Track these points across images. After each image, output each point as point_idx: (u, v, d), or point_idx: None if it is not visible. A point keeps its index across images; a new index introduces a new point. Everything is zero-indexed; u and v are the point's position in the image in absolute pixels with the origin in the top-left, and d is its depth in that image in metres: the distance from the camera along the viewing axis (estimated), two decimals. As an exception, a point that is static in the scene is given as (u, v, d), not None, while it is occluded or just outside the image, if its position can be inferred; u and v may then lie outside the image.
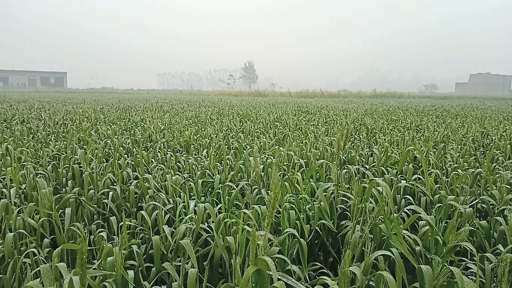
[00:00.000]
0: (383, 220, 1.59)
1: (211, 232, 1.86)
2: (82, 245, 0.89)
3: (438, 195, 2.18)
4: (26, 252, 1.54)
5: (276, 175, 1.47)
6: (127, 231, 1.95)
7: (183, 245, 1.42)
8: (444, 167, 3.06)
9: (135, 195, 2.48)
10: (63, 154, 3.30)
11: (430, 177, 2.53)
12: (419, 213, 1.54)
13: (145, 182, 2.49)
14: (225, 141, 4.18)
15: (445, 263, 1.30)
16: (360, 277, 1.14)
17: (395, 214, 1.56)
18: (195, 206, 2.11)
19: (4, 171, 2.82)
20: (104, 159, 3.41)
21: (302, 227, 1.84)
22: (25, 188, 2.50)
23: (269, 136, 5.02)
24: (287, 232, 1.59)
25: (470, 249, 1.67)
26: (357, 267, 1.15)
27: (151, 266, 1.76)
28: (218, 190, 2.41)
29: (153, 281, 1.58)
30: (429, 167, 2.90)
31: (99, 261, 1.43)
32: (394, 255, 1.38)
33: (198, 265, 1.78)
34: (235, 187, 2.31)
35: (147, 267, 1.81)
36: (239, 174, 2.95)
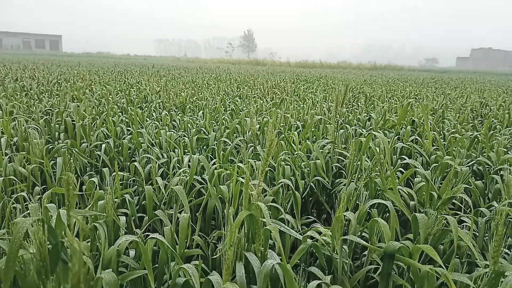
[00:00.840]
0: (378, 175, 1.57)
1: (205, 183, 1.85)
2: (70, 180, 0.86)
3: (435, 156, 2.16)
4: (16, 196, 1.52)
5: (272, 128, 1.43)
6: (120, 182, 1.93)
7: (175, 191, 1.40)
8: (441, 132, 3.04)
9: (129, 150, 2.45)
10: (56, 109, 3.23)
11: (427, 140, 2.50)
12: (416, 167, 1.52)
13: (139, 137, 2.46)
14: (221, 103, 4.11)
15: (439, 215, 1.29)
16: (354, 223, 1.12)
17: (391, 168, 1.54)
18: (189, 160, 2.08)
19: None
20: (97, 117, 3.36)
21: (297, 182, 1.82)
22: (16, 141, 2.46)
23: (266, 100, 4.95)
24: (282, 182, 1.57)
25: (466, 200, 1.66)
26: (351, 213, 1.13)
27: (144, 216, 1.75)
28: (213, 146, 2.38)
29: (144, 228, 1.57)
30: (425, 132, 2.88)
31: (90, 206, 1.41)
32: (388, 206, 1.36)
33: (191, 216, 1.77)
34: (230, 143, 2.28)
35: (140, 217, 1.80)
36: (235, 134, 2.91)
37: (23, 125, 2.55)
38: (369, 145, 1.71)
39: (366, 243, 1.05)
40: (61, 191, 1.48)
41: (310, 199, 2.08)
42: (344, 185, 1.88)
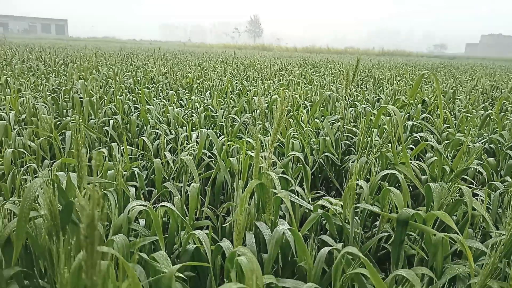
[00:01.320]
0: (389, 149, 1.55)
1: (213, 158, 1.84)
2: (80, 141, 0.84)
3: (446, 133, 2.13)
4: (26, 167, 1.52)
5: (282, 102, 1.41)
6: (128, 157, 1.93)
7: (185, 161, 1.39)
8: (452, 113, 2.99)
9: (136, 128, 2.44)
10: (63, 87, 3.23)
11: (438, 119, 2.47)
12: (428, 141, 1.49)
13: (147, 113, 2.44)
14: (229, 84, 4.08)
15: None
16: (367, 191, 1.10)
17: (403, 141, 1.51)
18: (197, 136, 2.07)
19: (3, 99, 2.77)
20: (104, 95, 3.35)
21: (306, 157, 1.81)
22: (24, 117, 2.46)
23: (273, 82, 4.91)
24: (291, 154, 1.56)
25: (478, 176, 1.63)
26: (363, 181, 1.12)
27: (152, 189, 1.75)
28: (221, 123, 2.36)
29: (153, 200, 1.57)
30: (436, 110, 2.83)
31: (100, 175, 1.40)
32: (400, 179, 1.34)
33: (200, 190, 1.77)
34: (239, 119, 2.26)
35: (149, 191, 1.80)
36: (243, 113, 2.89)
37: (31, 102, 2.54)
38: (380, 118, 1.68)
39: (379, 211, 1.03)
40: (71, 161, 1.47)
41: (319, 175, 2.06)
42: (354, 161, 1.86)
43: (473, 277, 0.84)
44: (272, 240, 0.98)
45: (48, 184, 0.79)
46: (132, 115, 2.45)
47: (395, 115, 1.35)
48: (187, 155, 1.83)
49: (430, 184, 1.13)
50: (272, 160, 1.40)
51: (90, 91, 3.19)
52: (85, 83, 3.04)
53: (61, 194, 0.85)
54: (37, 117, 2.30)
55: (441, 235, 0.93)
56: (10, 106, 2.57)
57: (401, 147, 1.79)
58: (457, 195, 1.20)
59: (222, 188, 1.78)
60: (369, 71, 7.86)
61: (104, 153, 1.59)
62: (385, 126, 2.20)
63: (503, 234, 0.94)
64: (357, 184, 1.08)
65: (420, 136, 2.05)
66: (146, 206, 1.21)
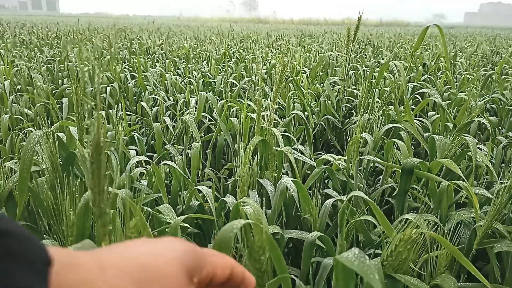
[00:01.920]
0: (392, 107, 1.53)
1: (213, 121, 1.82)
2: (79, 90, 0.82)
3: (448, 93, 2.11)
4: (24, 132, 1.50)
5: (281, 62, 1.37)
6: (127, 123, 1.90)
7: (185, 121, 1.37)
8: (453, 75, 2.96)
9: (134, 97, 2.41)
10: (58, 58, 3.16)
11: (439, 81, 2.44)
12: (432, 97, 1.47)
13: (144, 81, 2.41)
14: (226, 53, 4.01)
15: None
16: (371, 143, 1.09)
17: (406, 97, 1.49)
18: (196, 102, 2.05)
19: (-3, 70, 2.71)
20: (99, 66, 3.28)
21: (307, 119, 1.79)
22: (20, 88, 2.42)
23: (271, 51, 4.83)
24: (293, 114, 1.54)
25: (480, 134, 1.62)
26: (367, 134, 1.10)
27: (153, 154, 1.74)
28: (220, 88, 2.33)
29: (154, 162, 1.56)
30: (437, 73, 2.80)
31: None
32: (403, 136, 1.33)
33: (201, 152, 1.76)
34: (238, 84, 2.23)
35: (149, 156, 1.79)
36: (241, 81, 2.85)
37: (25, 72, 2.49)
38: (383, 75, 1.65)
39: (383, 161, 1.03)
40: (70, 124, 1.45)
41: (320, 139, 2.05)
42: (355, 123, 1.84)
43: (478, 221, 0.84)
44: (276, 192, 0.98)
45: (49, 136, 0.77)
46: (128, 83, 2.41)
47: (398, 70, 1.32)
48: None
49: (433, 136, 1.12)
50: (274, 121, 1.38)
51: (85, 61, 3.13)
52: (80, 50, 2.98)
53: (61, 146, 0.84)
54: (32, 86, 2.26)
55: (446, 183, 0.92)
56: (4, 77, 2.52)
57: (402, 107, 1.78)
58: (460, 149, 1.19)
59: (223, 153, 1.77)
60: (368, 40, 7.74)
61: (102, 115, 1.56)
62: (386, 88, 2.18)
63: (507, 183, 0.94)
64: (360, 137, 1.07)
65: (422, 96, 2.03)
66: (148, 160, 1.20)
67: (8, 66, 2.64)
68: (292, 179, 0.97)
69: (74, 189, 0.60)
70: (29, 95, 1.88)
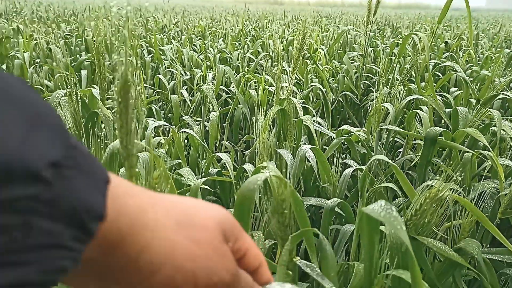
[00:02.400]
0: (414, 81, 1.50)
1: (231, 94, 1.81)
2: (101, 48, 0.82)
3: (470, 71, 2.06)
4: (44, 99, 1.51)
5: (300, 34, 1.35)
6: (146, 95, 1.91)
7: (204, 90, 1.36)
8: (475, 55, 2.88)
9: (151, 72, 2.41)
10: (75, 33, 3.18)
11: (461, 58, 2.37)
12: (455, 71, 1.43)
13: (162, 55, 2.40)
14: (242, 30, 3.97)
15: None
16: (392, 113, 1.08)
17: (429, 70, 1.46)
18: (213, 77, 2.04)
19: (17, 44, 2.74)
20: (116, 42, 3.29)
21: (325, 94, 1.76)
22: (39, 61, 2.44)
23: (287, 30, 4.77)
24: (311, 86, 1.52)
25: (503, 112, 1.58)
26: (389, 104, 1.08)
27: (171, 127, 1.75)
28: (237, 63, 2.31)
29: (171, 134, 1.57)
30: (459, 50, 2.73)
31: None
32: (424, 110, 1.31)
33: (219, 124, 1.76)
34: (255, 59, 2.21)
35: (168, 129, 1.80)
36: (257, 57, 2.82)
37: (44, 46, 2.51)
38: (405, 48, 1.62)
39: (405, 131, 1.01)
40: (89, 92, 1.47)
41: (337, 116, 2.03)
42: (374, 99, 1.81)
43: (502, 190, 0.82)
44: (296, 159, 0.97)
45: (72, 94, 0.78)
46: (145, 57, 2.41)
47: (420, 41, 1.29)
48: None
49: (457, 107, 1.10)
50: (293, 95, 1.37)
51: (102, 35, 3.14)
52: (97, 24, 2.99)
53: (83, 107, 0.84)
54: (51, 59, 2.28)
55: (470, 152, 0.91)
56: (23, 50, 2.55)
57: (424, 83, 1.74)
58: (483, 123, 1.16)
59: (240, 127, 1.76)
60: (386, 21, 7.56)
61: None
62: (406, 66, 2.13)
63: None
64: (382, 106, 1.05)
65: (443, 75, 1.98)
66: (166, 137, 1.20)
67: (27, 40, 2.66)
68: (312, 146, 0.96)
69: (99, 140, 0.61)
70: (49, 66, 1.90)
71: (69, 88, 0.81)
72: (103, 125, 0.95)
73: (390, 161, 0.72)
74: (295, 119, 1.21)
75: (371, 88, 2.08)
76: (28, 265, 0.16)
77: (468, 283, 0.78)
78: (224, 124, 1.72)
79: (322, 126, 1.38)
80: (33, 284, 0.17)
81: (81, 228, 0.19)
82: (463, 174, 0.88)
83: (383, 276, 0.54)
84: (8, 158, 0.16)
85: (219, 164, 1.25)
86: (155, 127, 1.65)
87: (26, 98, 0.18)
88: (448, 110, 1.52)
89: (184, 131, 1.16)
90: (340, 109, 2.02)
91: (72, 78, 1.75)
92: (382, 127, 1.03)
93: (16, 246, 0.16)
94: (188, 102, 1.81)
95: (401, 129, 1.01)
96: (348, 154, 1.34)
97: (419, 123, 1.29)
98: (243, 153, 1.58)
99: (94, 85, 1.30)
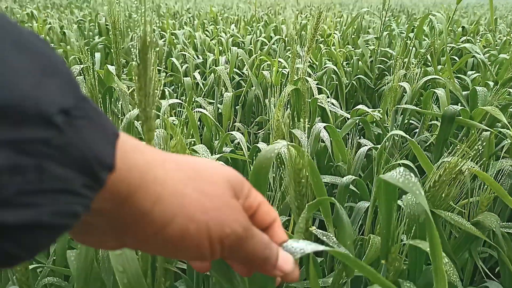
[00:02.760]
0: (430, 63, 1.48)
1: (244, 76, 1.81)
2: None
3: (488, 54, 2.01)
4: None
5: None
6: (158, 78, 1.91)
7: (217, 70, 1.36)
8: (493, 40, 2.81)
9: (163, 55, 2.41)
10: (89, 18, 3.19)
11: (479, 43, 2.32)
12: (474, 53, 1.40)
13: (174, 39, 2.40)
14: (255, 16, 3.94)
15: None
16: (409, 92, 1.06)
17: (447, 52, 1.43)
18: (226, 61, 2.03)
19: (31, 28, 2.76)
20: (129, 28, 3.29)
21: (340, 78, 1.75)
22: (53, 45, 2.46)
23: (300, 16, 4.71)
24: (326, 67, 1.51)
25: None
26: (405, 83, 1.07)
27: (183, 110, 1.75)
28: (249, 47, 2.30)
29: (184, 115, 1.57)
30: (476, 36, 2.67)
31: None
32: (441, 91, 1.29)
33: (232, 105, 1.76)
34: (268, 42, 2.20)
35: (180, 111, 1.81)
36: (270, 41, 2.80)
37: (58, 30, 2.53)
38: (422, 28, 1.59)
39: (422, 110, 1.00)
40: (104, 68, 1.48)
41: (351, 100, 2.01)
42: (389, 82, 1.79)
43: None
44: (310, 137, 0.97)
45: (89, 69, 0.78)
46: (158, 41, 2.41)
47: (440, 26, 1.26)
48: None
49: (475, 87, 1.08)
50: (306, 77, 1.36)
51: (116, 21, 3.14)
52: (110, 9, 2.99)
53: (100, 82, 0.85)
54: (65, 42, 2.30)
55: (489, 131, 0.89)
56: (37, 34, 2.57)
57: (440, 66, 1.71)
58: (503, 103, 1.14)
59: (252, 111, 1.76)
60: (401, 7, 7.42)
61: (133, 63, 1.57)
62: (422, 50, 2.10)
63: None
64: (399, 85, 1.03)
65: (459, 57, 1.94)
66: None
67: (41, 25, 2.68)
68: (326, 124, 0.96)
69: (116, 110, 0.61)
70: (63, 48, 1.91)
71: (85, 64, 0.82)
72: (118, 103, 0.96)
73: (407, 136, 0.72)
74: (309, 100, 1.21)
75: (386, 73, 2.05)
76: (41, 207, 0.17)
77: (483, 261, 0.77)
78: (236, 107, 1.72)
79: (336, 105, 1.37)
80: (45, 226, 0.18)
81: (92, 176, 0.19)
82: (481, 150, 0.87)
83: (400, 246, 0.53)
84: (21, 100, 0.17)
85: (232, 144, 1.25)
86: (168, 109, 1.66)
87: (39, 48, 0.19)
88: (465, 92, 1.49)
89: (197, 111, 1.16)
90: (353, 94, 2.00)
91: (86, 59, 1.76)
92: (398, 106, 1.02)
93: (30, 188, 0.17)
94: (201, 85, 1.81)
95: (418, 108, 1.00)
96: (362, 136, 1.33)
97: (435, 105, 1.27)
98: (255, 135, 1.58)
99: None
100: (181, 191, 0.24)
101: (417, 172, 0.85)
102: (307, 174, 0.55)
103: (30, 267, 0.56)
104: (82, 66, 0.81)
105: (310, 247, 0.31)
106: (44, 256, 0.72)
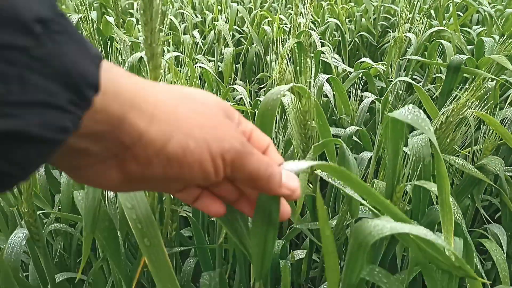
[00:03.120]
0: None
1: (244, 33, 1.77)
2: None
3: (494, 9, 1.96)
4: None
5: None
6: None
7: (216, 25, 1.33)
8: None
9: (160, 15, 2.35)
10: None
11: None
12: (479, 7, 1.36)
13: (171, -3, 2.33)
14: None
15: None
16: (415, 43, 1.04)
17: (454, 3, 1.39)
18: (225, 19, 1.98)
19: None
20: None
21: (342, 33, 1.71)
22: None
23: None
24: (328, 22, 1.47)
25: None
26: (411, 33, 1.05)
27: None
28: (249, 5, 2.23)
29: (184, 71, 1.55)
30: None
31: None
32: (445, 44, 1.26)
33: (233, 61, 1.73)
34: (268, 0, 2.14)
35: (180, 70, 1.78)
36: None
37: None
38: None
39: (427, 60, 0.98)
40: (103, 19, 1.45)
41: (353, 59, 1.98)
42: (393, 38, 1.76)
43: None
44: (313, 89, 0.95)
45: (88, 18, 0.76)
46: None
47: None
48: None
49: (482, 38, 1.05)
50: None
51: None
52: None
53: (98, 33, 0.83)
54: (60, 2, 2.23)
55: (495, 79, 0.88)
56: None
57: (445, 22, 1.67)
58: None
59: (252, 71, 1.73)
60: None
61: (133, 20, 1.54)
62: (426, 6, 2.04)
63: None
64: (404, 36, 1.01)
65: (464, 12, 1.89)
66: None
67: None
68: (330, 75, 0.94)
69: (118, 54, 0.60)
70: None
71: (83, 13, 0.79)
72: (118, 55, 0.94)
73: (412, 81, 0.71)
74: (312, 55, 1.18)
75: (389, 30, 2.01)
76: (28, 118, 0.17)
77: (483, 209, 0.78)
78: (237, 66, 1.69)
79: (337, 59, 1.35)
80: (34, 138, 0.18)
81: (77, 93, 0.19)
82: (486, 96, 0.86)
83: (405, 186, 0.54)
84: None
85: (234, 101, 1.24)
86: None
87: None
88: (471, 46, 1.47)
89: (198, 66, 1.14)
90: (355, 51, 1.96)
91: (84, 8, 1.72)
92: (403, 58, 1.00)
93: (14, 99, 0.17)
94: (200, 44, 1.77)
95: (423, 59, 0.98)
96: (365, 91, 1.31)
97: (440, 59, 1.25)
98: (257, 93, 1.56)
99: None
100: (175, 110, 0.25)
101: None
102: (313, 117, 0.55)
103: (38, 213, 0.56)
104: (80, 15, 0.78)
105: (306, 163, 0.31)
106: (49, 206, 0.73)
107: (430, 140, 0.61)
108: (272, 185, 0.29)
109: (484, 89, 0.88)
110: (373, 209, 0.41)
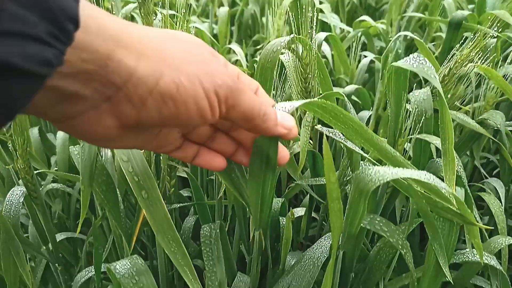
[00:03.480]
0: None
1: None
2: None
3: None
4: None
5: None
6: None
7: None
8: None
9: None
10: None
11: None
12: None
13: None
14: None
15: None
16: (416, 1, 1.01)
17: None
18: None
19: None
20: None
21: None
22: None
23: None
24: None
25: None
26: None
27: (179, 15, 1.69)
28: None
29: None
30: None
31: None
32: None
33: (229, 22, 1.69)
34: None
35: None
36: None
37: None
38: None
39: (428, 17, 0.96)
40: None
41: (350, 21, 1.94)
42: None
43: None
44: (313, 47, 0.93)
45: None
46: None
47: None
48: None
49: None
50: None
51: None
52: None
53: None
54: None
55: (496, 34, 0.86)
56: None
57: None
58: None
59: (248, 34, 1.69)
60: None
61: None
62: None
63: None
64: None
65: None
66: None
67: None
68: (329, 33, 0.92)
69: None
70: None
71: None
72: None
73: (415, 36, 0.69)
74: (310, 14, 1.15)
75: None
76: (8, 48, 0.17)
77: (481, 166, 0.78)
78: (232, 28, 1.65)
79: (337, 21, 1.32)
80: (16, 69, 0.17)
81: (56, 25, 0.18)
82: (488, 51, 0.85)
83: (407, 140, 0.53)
84: None
85: (230, 62, 1.21)
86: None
87: None
88: (471, 6, 1.43)
89: (193, 26, 1.10)
90: (353, 13, 1.92)
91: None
92: (405, 15, 0.97)
93: None
94: (194, 6, 1.72)
95: (424, 16, 0.95)
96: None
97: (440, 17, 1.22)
98: (252, 56, 1.53)
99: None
100: (162, 47, 0.24)
101: (422, 79, 0.83)
102: (314, 69, 0.53)
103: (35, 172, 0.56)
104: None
105: (299, 102, 0.31)
106: (46, 167, 0.72)
107: (432, 92, 0.60)
108: (268, 124, 0.28)
109: (486, 44, 0.87)
110: (374, 161, 0.40)
